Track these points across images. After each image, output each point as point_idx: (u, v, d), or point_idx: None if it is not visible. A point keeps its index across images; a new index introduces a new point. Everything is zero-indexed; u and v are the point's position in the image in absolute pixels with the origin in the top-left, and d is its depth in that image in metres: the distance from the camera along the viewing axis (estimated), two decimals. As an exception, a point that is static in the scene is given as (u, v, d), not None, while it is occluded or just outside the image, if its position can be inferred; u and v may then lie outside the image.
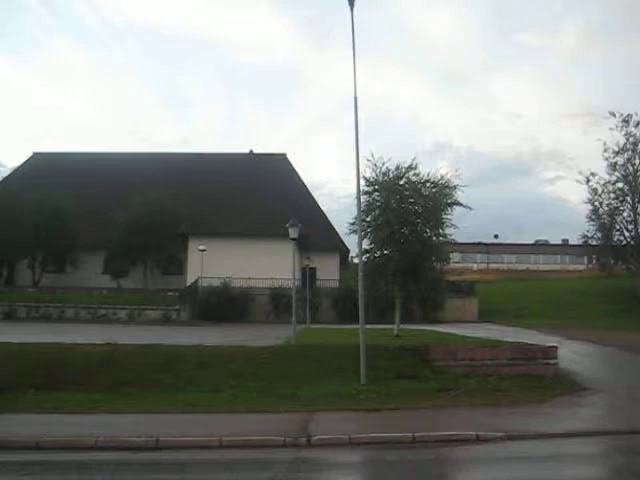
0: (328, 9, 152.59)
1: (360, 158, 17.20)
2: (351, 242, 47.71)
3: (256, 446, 10.64)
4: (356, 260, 55.39)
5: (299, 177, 55.22)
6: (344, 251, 49.87)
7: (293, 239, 24.19)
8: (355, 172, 17.25)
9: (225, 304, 39.11)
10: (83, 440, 10.61)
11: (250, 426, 11.83)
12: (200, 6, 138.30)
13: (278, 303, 39.79)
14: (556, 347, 18.57)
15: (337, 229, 48.23)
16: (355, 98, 16.67)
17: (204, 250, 41.11)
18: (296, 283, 27.13)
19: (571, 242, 69.78)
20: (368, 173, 22.71)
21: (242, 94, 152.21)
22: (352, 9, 16.60)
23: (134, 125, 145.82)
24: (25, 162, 59.07)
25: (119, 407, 13.38)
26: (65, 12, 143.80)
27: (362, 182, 20.88)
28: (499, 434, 11.13)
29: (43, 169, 54.35)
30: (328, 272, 45.27)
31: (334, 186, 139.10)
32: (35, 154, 59.66)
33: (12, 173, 58.29)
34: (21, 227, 43.20)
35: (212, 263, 40.80)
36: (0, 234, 43.20)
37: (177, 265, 46.51)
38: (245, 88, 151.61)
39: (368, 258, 22.54)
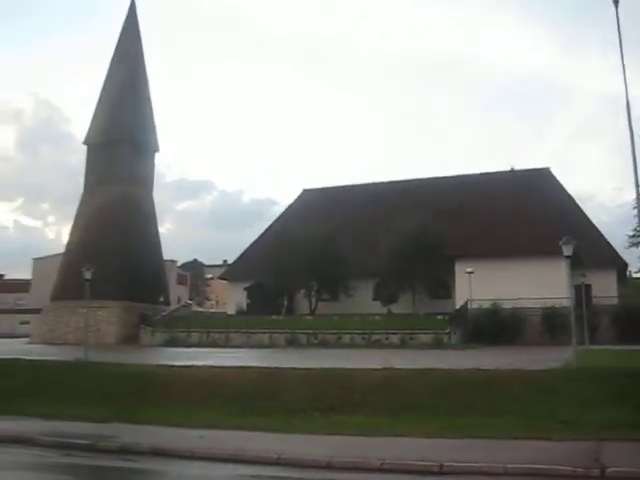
0: (578, 12, 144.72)
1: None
2: (630, 255, 44.29)
3: (543, 475, 10.09)
4: (637, 275, 51.18)
5: (565, 191, 52.63)
6: (621, 265, 46.32)
7: (567, 257, 22.95)
8: (633, 179, 15.95)
9: (496, 326, 38.32)
10: (370, 462, 10.94)
11: (534, 453, 11.26)
12: (450, 28, 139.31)
13: (551, 324, 38.04)
14: None
15: (611, 242, 45.15)
16: (627, 102, 15.53)
17: (471, 272, 40.78)
18: (570, 302, 25.73)
19: None
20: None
21: (499, 110, 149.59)
22: (617, 6, 15.58)
23: (397, 154, 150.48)
24: (296, 199, 63.75)
25: (399, 430, 13.52)
26: (325, 52, 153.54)
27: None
28: None
29: (312, 204, 58.23)
30: (604, 289, 42.40)
31: (604, 197, 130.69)
32: (305, 191, 64.15)
33: (286, 210, 63.30)
34: (297, 260, 46.53)
35: (480, 285, 40.35)
36: (280, 267, 47.05)
37: (445, 289, 46.64)
38: (501, 104, 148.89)
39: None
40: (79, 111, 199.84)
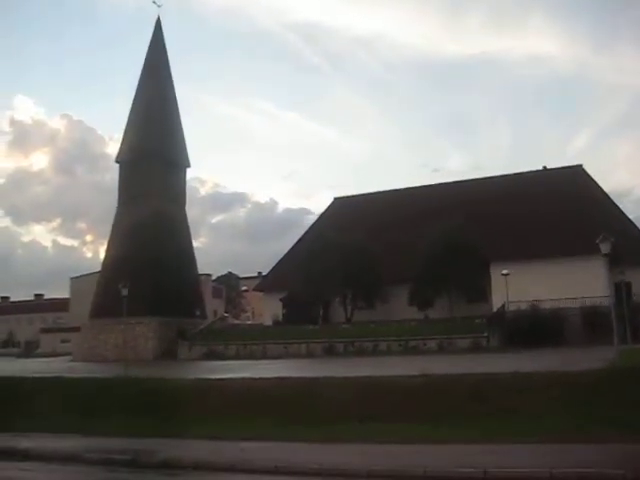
0: (608, 10, 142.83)
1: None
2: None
3: (592, 479, 9.87)
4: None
5: (599, 187, 51.63)
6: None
7: (605, 254, 22.49)
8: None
9: (535, 328, 37.55)
10: (412, 470, 10.80)
11: (580, 457, 11.00)
12: (472, 30, 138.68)
13: (592, 323, 37.12)
14: None
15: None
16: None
17: (507, 274, 40.26)
18: (610, 300, 25.32)
19: None
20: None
21: (528, 110, 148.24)
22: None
23: (425, 158, 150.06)
24: (328, 208, 63.77)
25: (440, 437, 13.37)
26: (343, 62, 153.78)
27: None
28: None
29: (344, 212, 58.19)
30: (645, 285, 41.42)
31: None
32: (336, 199, 64.15)
33: (318, 219, 63.30)
34: (331, 268, 46.40)
35: (517, 287, 39.77)
36: (314, 276, 46.98)
37: (481, 291, 45.97)
38: (530, 104, 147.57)
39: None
40: (112, 130, 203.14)
